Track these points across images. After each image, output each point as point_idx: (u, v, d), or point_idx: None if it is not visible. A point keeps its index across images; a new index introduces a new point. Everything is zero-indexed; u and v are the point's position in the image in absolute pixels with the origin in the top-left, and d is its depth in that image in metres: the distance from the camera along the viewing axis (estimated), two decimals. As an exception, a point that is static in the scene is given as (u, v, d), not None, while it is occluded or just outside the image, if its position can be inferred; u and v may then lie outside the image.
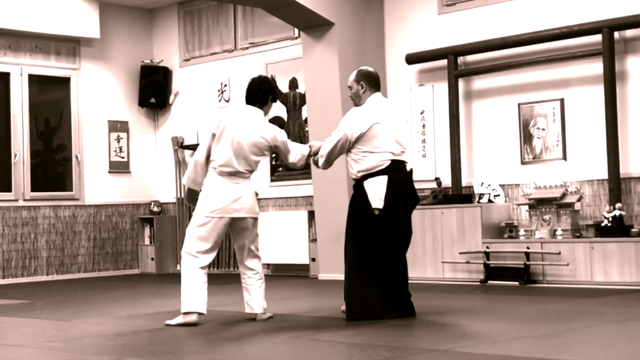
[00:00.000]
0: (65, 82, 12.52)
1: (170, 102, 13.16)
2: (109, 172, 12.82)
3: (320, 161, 6.65)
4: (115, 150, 12.92)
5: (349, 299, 6.40)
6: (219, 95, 12.49)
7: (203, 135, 7.14)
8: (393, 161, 6.39)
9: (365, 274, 6.39)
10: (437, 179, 10.08)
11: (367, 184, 6.38)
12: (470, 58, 10.12)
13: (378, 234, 6.38)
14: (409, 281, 6.73)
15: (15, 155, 11.89)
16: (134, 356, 5.12)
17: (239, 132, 6.45)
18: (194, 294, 6.35)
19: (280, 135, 6.58)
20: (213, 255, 6.48)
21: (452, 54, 10.05)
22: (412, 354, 4.91)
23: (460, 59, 10.14)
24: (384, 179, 6.35)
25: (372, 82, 6.61)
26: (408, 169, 6.54)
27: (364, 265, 6.40)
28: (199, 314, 6.37)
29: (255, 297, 6.58)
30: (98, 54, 12.78)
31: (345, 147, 6.48)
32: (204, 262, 6.41)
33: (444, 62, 10.13)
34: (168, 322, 6.45)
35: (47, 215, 12.14)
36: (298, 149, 6.70)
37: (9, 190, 11.84)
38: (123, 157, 12.99)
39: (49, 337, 6.12)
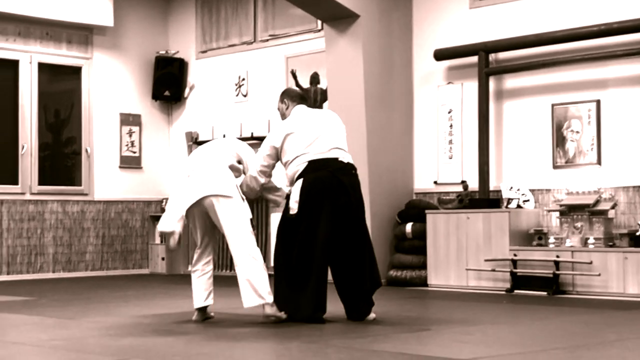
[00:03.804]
0: (76, 71, 12.56)
1: (185, 95, 13.17)
2: (120, 167, 12.85)
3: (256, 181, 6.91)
4: (127, 145, 12.94)
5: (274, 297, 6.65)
6: (236, 90, 12.49)
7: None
8: (311, 162, 6.60)
9: (288, 274, 6.61)
10: (463, 182, 10.04)
11: (292, 189, 6.69)
12: (502, 55, 10.07)
13: (295, 236, 6.60)
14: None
15: (23, 147, 11.93)
16: (140, 357, 5.11)
17: None
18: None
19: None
20: None
21: (483, 50, 10.00)
22: (433, 362, 4.88)
23: (492, 56, 10.09)
24: (299, 182, 6.61)
25: (294, 97, 7.02)
26: (345, 161, 6.69)
27: (286, 266, 6.63)
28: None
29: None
30: (111, 43, 12.81)
31: (273, 158, 6.80)
32: None
33: (475, 58, 10.08)
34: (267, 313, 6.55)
35: (54, 210, 12.17)
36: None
37: (15, 183, 11.87)
38: (135, 152, 13.01)
39: (53, 335, 6.12)
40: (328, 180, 6.56)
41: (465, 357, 5.02)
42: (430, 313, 7.91)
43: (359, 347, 5.46)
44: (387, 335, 5.96)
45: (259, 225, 11.89)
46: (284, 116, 6.96)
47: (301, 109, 6.89)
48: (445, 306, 8.21)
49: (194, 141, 12.72)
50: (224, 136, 11.95)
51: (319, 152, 6.62)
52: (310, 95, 11.42)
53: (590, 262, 8.69)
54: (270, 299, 6.50)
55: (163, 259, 12.69)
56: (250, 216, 6.66)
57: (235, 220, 6.58)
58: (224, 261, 12.03)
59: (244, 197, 6.73)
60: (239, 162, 6.88)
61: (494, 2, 10.15)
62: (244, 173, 6.92)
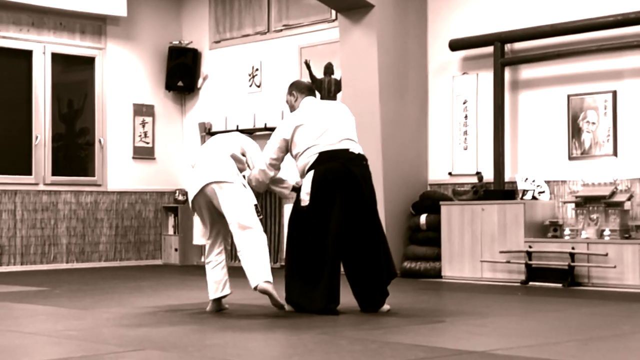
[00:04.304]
0: (90, 62, 12.59)
1: (199, 86, 13.18)
2: (133, 157, 12.88)
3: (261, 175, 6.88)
4: (140, 135, 12.97)
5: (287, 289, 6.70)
6: (249, 80, 12.50)
7: None
8: (322, 153, 6.58)
9: (300, 267, 6.61)
10: (478, 173, 10.04)
11: (303, 181, 6.66)
12: (518, 45, 10.05)
13: (306, 228, 6.58)
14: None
15: (37, 138, 11.97)
16: (154, 348, 5.14)
17: None
18: None
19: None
20: None
21: (498, 40, 9.99)
22: (447, 355, 4.89)
23: (508, 46, 10.07)
24: (310, 174, 6.58)
25: (303, 89, 7.00)
26: (356, 152, 6.66)
27: (298, 259, 6.63)
28: None
29: None
30: (124, 33, 12.83)
31: (283, 151, 6.77)
32: None
33: (490, 49, 10.07)
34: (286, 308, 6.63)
35: (68, 200, 12.21)
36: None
37: (29, 173, 11.92)
38: (148, 143, 13.04)
39: (67, 325, 6.15)
40: (339, 171, 6.55)
41: (479, 349, 5.03)
42: (444, 305, 7.92)
43: (372, 338, 5.47)
44: (400, 327, 5.97)
45: (272, 216, 11.91)
46: (292, 108, 6.96)
47: (310, 101, 6.89)
48: (459, 298, 8.21)
49: (207, 132, 12.74)
50: (237, 127, 11.98)
51: (330, 144, 6.60)
52: (324, 86, 11.43)
53: (606, 254, 8.68)
54: (271, 279, 6.55)
55: (176, 249, 12.73)
56: (255, 202, 6.67)
57: (237, 205, 6.59)
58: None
59: (246, 185, 6.75)
60: (243, 154, 6.88)
61: (510, -8, 10.14)
62: (248, 166, 6.93)
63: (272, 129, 9.99)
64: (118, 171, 12.70)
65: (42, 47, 12.10)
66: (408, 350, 4.99)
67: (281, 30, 12.21)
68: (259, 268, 6.51)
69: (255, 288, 6.51)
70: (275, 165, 6.81)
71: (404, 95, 10.58)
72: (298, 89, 7.00)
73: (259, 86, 12.39)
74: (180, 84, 13.10)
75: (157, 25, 13.17)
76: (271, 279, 6.51)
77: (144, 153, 12.99)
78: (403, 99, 10.58)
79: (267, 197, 11.92)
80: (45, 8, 11.94)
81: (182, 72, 13.08)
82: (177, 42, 13.21)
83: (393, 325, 6.04)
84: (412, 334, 5.70)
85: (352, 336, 5.54)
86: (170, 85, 13.12)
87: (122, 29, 12.79)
